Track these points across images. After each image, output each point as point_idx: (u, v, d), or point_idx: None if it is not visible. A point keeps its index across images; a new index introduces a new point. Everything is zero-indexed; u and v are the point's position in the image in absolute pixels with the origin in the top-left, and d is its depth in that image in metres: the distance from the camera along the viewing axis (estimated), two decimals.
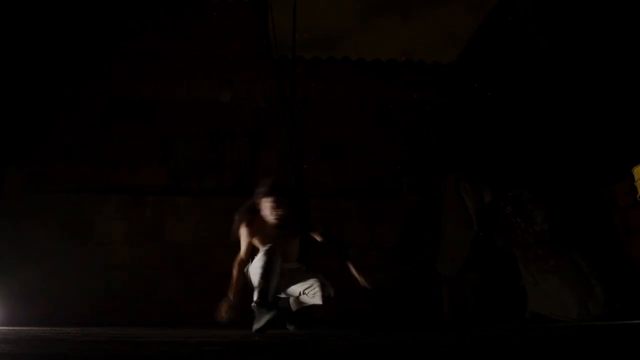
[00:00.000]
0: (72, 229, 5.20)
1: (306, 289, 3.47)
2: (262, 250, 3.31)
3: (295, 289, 3.49)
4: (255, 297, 3.25)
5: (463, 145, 5.93)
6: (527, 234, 4.31)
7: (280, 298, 3.54)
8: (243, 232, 3.45)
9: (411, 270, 5.22)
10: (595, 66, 5.35)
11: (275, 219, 3.43)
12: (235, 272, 3.37)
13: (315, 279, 3.47)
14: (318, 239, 3.58)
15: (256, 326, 3.16)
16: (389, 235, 5.39)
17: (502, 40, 6.53)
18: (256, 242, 3.44)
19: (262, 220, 3.47)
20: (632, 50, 4.97)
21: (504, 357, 1.47)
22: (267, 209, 3.44)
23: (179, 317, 5.04)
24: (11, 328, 3.59)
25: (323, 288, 3.45)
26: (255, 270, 3.29)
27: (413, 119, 6.15)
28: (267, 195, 3.44)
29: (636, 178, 3.93)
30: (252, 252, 3.43)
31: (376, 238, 5.41)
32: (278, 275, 3.27)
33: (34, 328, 3.59)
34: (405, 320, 4.90)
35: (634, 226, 4.23)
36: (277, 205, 3.42)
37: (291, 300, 3.56)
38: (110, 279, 5.04)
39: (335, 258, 3.52)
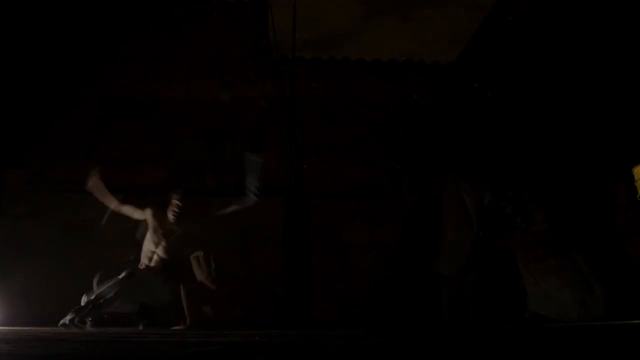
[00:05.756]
0: (72, 229, 5.19)
1: None
2: None
3: None
4: None
5: (463, 145, 5.92)
6: (527, 234, 4.31)
7: None
8: None
9: (411, 270, 5.21)
10: (595, 66, 5.34)
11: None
12: None
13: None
14: None
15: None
16: (389, 235, 5.38)
17: (502, 40, 6.52)
18: None
19: None
20: (632, 50, 4.96)
21: (504, 357, 1.47)
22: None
23: (179, 317, 5.03)
24: (11, 328, 3.59)
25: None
26: None
27: (413, 119, 6.15)
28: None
29: (636, 178, 3.93)
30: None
31: (376, 238, 5.40)
32: None
33: (34, 328, 3.59)
34: (405, 320, 4.89)
35: (634, 226, 4.23)
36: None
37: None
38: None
39: None
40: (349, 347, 1.83)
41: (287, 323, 4.82)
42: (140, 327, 3.91)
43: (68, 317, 3.53)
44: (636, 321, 3.59)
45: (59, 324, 3.54)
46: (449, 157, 5.84)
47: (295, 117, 5.74)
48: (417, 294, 5.11)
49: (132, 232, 4.86)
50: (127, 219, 5.34)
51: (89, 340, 2.27)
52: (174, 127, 5.94)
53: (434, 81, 6.32)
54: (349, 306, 5.20)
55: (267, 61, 6.25)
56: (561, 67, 5.71)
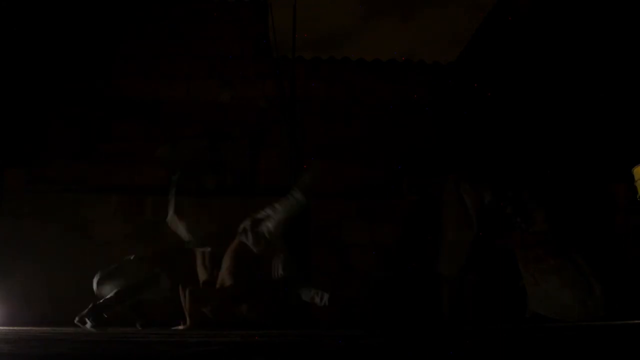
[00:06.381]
0: (72, 229, 5.19)
1: None
2: None
3: None
4: None
5: (463, 145, 5.92)
6: (527, 234, 4.32)
7: None
8: None
9: (411, 270, 5.21)
10: (595, 66, 5.34)
11: None
12: None
13: None
14: None
15: None
16: (389, 235, 5.37)
17: (502, 40, 6.52)
18: None
19: None
20: (632, 50, 4.97)
21: (504, 357, 1.47)
22: None
23: (179, 317, 5.03)
24: (11, 328, 3.59)
25: None
26: None
27: (413, 119, 6.14)
28: None
29: (636, 178, 3.93)
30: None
31: (376, 238, 5.39)
32: None
33: (34, 328, 3.59)
34: (405, 320, 4.89)
35: (634, 226, 4.23)
36: None
37: None
38: None
39: None
40: (349, 347, 1.83)
41: (287, 323, 4.82)
42: (138, 327, 3.92)
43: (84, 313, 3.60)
44: (636, 321, 3.59)
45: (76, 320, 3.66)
46: (449, 157, 5.84)
47: (295, 117, 5.74)
48: (417, 294, 5.11)
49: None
50: (126, 218, 5.36)
51: (89, 340, 2.27)
52: (174, 127, 5.94)
53: (434, 81, 6.32)
54: (349, 306, 5.19)
55: (267, 61, 6.25)
56: (561, 67, 5.71)
